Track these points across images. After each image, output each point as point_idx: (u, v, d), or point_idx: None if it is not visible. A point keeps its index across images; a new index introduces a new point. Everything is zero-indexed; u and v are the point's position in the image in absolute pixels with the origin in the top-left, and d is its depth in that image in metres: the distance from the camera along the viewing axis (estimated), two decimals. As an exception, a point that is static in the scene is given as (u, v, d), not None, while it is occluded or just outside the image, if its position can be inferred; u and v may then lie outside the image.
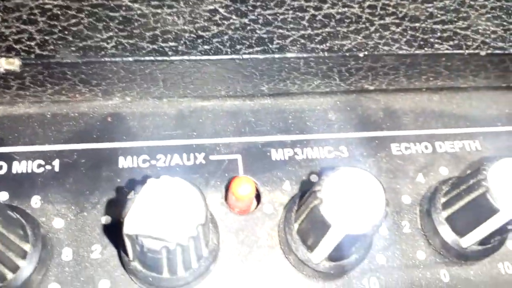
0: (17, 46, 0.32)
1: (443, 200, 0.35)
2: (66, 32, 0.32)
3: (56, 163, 0.34)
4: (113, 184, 0.34)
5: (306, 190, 0.31)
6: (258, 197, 0.35)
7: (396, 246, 0.35)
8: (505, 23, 0.39)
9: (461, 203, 0.32)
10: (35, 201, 0.32)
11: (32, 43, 0.32)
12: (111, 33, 0.33)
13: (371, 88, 0.40)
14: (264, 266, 0.33)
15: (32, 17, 0.33)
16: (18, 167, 0.33)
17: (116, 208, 0.32)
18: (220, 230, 0.33)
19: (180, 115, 0.37)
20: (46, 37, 0.32)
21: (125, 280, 0.31)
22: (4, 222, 0.27)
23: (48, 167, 0.33)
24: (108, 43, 0.33)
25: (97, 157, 0.34)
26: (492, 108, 0.42)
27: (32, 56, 0.31)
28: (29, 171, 0.33)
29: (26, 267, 0.29)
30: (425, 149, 0.39)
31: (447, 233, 0.34)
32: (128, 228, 0.25)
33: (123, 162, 0.34)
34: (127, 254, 0.29)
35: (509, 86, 0.43)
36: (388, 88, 0.40)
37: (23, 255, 0.29)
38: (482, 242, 0.33)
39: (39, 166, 0.33)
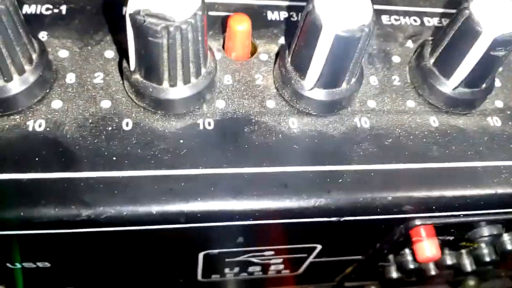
0: None
1: (429, 49, 0.36)
2: None
3: (63, 7, 0.36)
4: (117, 27, 0.35)
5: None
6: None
7: (387, 94, 0.36)
8: None
9: (446, 40, 0.34)
10: (42, 36, 0.34)
11: None
12: None
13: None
14: (259, 102, 0.34)
15: None
16: (28, 9, 0.35)
17: (119, 44, 0.34)
18: (218, 70, 0.34)
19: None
20: None
21: (126, 102, 0.32)
22: (18, 18, 0.28)
23: (56, 10, 0.35)
24: None
25: (102, 3, 0.36)
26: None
27: None
28: (38, 12, 0.35)
29: (31, 74, 0.30)
30: (413, 21, 0.41)
31: (434, 77, 0.35)
32: (132, 6, 0.27)
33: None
34: (129, 65, 0.31)
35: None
36: (379, -30, 0.43)
37: (29, 60, 0.30)
38: (468, 83, 0.35)
39: (47, 9, 0.35)
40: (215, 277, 0.46)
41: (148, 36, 0.28)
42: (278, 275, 0.48)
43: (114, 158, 0.31)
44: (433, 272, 0.48)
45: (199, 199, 0.30)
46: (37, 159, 0.30)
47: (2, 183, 0.29)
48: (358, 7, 0.29)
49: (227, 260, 0.41)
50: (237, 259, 0.41)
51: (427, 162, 0.35)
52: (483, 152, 0.36)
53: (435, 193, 0.34)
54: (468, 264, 0.47)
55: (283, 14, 0.39)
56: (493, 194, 0.35)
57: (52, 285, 0.43)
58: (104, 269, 0.40)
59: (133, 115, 0.32)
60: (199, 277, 0.44)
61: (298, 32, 0.32)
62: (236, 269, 0.44)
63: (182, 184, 0.30)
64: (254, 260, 0.42)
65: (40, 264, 0.36)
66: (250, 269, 0.45)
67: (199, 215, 0.31)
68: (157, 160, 0.31)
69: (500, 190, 0.35)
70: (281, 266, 0.45)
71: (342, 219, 0.33)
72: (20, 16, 0.29)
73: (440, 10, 0.42)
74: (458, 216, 0.36)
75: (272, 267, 0.45)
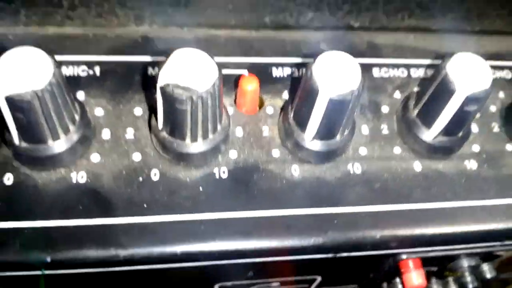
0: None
1: (413, 101, 0.42)
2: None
3: (97, 69, 0.41)
4: (144, 87, 0.41)
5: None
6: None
7: (376, 142, 0.42)
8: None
9: (427, 94, 0.39)
10: (80, 96, 0.40)
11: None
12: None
13: (356, 25, 0.48)
14: (266, 152, 0.40)
15: None
16: (66, 71, 0.41)
17: (146, 102, 0.40)
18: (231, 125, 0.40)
19: (197, 40, 0.45)
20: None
21: (154, 155, 0.38)
22: (63, 82, 0.33)
23: (91, 72, 0.41)
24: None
25: (131, 66, 0.42)
26: (461, 49, 0.50)
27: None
28: (75, 74, 0.41)
29: (75, 133, 0.36)
30: (401, 73, 0.46)
31: (417, 127, 0.41)
32: (162, 80, 0.32)
33: (151, 71, 0.42)
34: (157, 124, 0.36)
35: (474, 30, 0.51)
36: (371, 26, 0.48)
37: (73, 121, 0.36)
38: (447, 133, 0.40)
39: (83, 71, 0.41)
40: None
41: (176, 104, 0.33)
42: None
43: (145, 205, 0.36)
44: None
45: (216, 239, 0.36)
46: (80, 207, 0.36)
47: (51, 229, 0.34)
48: (349, 73, 0.35)
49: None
50: (247, 291, 0.46)
51: (412, 203, 0.40)
52: (461, 193, 0.41)
53: (419, 231, 0.39)
54: (454, 293, 0.53)
55: (287, 71, 0.44)
56: (470, 230, 0.40)
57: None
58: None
59: (160, 166, 0.38)
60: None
61: (299, 92, 0.38)
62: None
63: (202, 227, 0.36)
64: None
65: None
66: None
67: (216, 253, 0.36)
68: (180, 206, 0.37)
69: (476, 227, 0.41)
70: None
71: (338, 255, 0.38)
72: (66, 84, 0.34)
73: (426, 61, 0.48)
74: (440, 250, 0.42)
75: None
